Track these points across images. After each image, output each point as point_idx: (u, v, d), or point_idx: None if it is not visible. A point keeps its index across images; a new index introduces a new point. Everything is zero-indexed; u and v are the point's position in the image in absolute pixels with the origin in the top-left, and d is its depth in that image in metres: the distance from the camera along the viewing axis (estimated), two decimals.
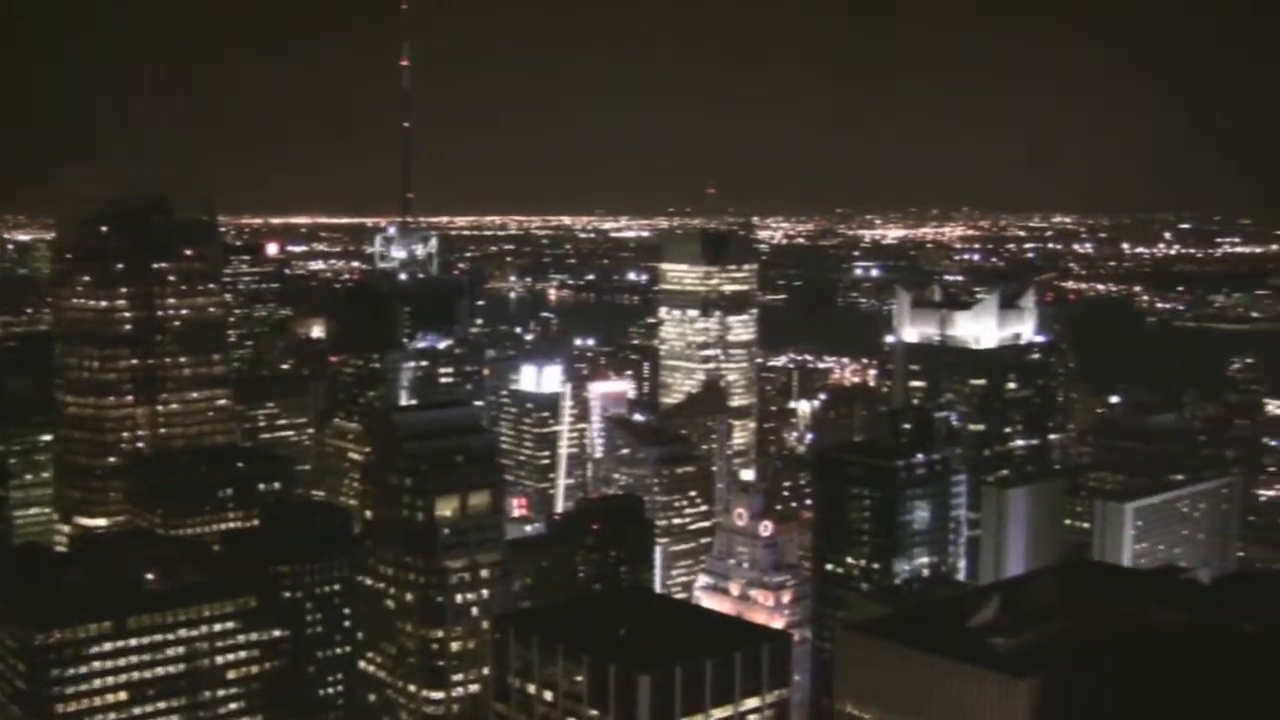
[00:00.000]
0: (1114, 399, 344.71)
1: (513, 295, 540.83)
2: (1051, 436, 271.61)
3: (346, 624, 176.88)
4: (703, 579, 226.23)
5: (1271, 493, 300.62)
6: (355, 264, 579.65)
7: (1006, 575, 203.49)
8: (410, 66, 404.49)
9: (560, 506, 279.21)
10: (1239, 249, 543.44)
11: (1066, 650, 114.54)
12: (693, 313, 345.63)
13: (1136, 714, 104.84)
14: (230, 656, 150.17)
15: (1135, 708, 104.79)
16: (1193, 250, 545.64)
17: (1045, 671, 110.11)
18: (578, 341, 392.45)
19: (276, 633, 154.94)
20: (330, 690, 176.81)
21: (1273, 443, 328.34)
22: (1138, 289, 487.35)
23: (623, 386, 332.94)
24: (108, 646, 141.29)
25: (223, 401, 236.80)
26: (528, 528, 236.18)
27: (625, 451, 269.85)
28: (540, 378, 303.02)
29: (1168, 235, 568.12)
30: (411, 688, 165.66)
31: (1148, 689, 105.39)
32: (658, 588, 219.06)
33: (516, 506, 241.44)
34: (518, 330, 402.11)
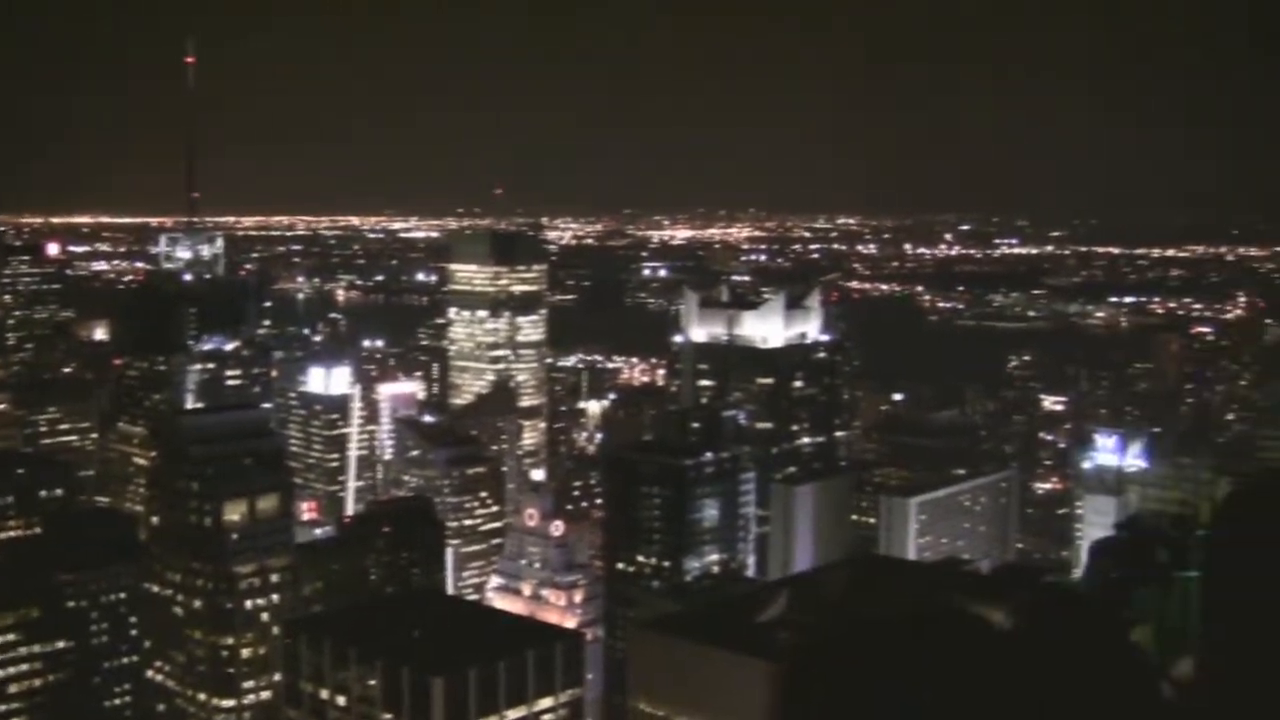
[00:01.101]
0: (897, 396, 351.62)
1: (300, 296, 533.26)
2: (837, 434, 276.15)
3: (133, 633, 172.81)
4: (495, 580, 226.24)
5: (1048, 486, 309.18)
6: (140, 265, 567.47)
7: (795, 570, 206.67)
8: (195, 64, 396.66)
9: (350, 509, 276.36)
10: (1016, 250, 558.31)
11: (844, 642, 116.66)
12: (482, 313, 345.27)
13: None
14: (12, 669, 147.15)
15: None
16: (972, 251, 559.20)
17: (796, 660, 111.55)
18: (366, 342, 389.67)
19: (60, 644, 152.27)
20: (117, 701, 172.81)
21: (1048, 437, 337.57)
22: (920, 289, 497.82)
23: (412, 388, 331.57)
24: None
25: (1, 406, 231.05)
26: (318, 531, 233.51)
27: (415, 453, 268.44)
28: (329, 379, 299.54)
29: (948, 236, 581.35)
30: (201, 696, 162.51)
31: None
32: (450, 589, 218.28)
33: (306, 510, 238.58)
34: (306, 332, 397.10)
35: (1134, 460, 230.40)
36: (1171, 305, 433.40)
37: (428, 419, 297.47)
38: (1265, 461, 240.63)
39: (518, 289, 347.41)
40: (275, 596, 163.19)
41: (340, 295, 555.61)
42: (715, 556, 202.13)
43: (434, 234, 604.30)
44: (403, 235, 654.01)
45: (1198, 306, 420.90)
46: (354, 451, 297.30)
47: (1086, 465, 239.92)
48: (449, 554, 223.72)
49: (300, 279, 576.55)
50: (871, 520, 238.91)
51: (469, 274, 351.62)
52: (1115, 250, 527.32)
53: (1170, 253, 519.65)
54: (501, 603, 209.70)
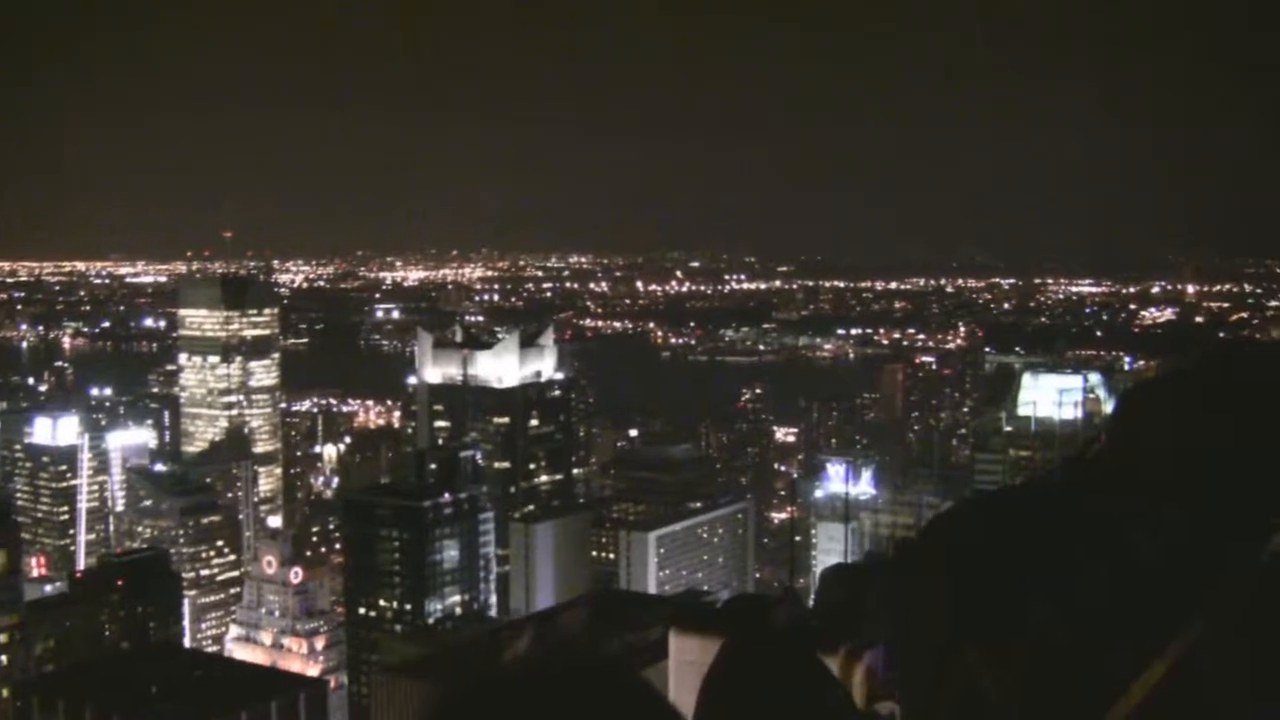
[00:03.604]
0: (633, 432, 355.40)
1: (24, 345, 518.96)
2: (575, 471, 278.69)
3: None
4: (234, 630, 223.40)
5: (782, 515, 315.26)
6: None
7: (538, 608, 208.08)
8: None
9: (82, 563, 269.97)
10: (745, 285, 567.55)
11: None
12: (213, 359, 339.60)
13: None
14: None
15: None
16: (703, 287, 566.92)
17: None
18: (94, 391, 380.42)
19: None
20: None
21: (782, 468, 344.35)
22: (652, 325, 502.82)
23: (143, 436, 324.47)
24: None
25: None
26: (48, 587, 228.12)
27: (148, 503, 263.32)
28: (55, 430, 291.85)
29: (679, 274, 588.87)
30: None
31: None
32: (188, 642, 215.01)
33: (35, 565, 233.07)
34: (30, 381, 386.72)
35: (864, 488, 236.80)
36: (896, 336, 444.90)
37: (160, 468, 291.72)
38: (982, 485, 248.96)
39: (249, 333, 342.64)
40: (4, 657, 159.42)
41: (66, 343, 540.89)
42: (457, 597, 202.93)
43: (162, 278, 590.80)
44: (130, 280, 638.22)
45: (921, 337, 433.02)
46: (83, 503, 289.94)
47: (818, 494, 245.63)
48: (186, 605, 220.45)
49: (23, 327, 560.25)
50: (611, 555, 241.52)
51: (199, 319, 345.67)
52: (841, 284, 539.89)
53: (894, 285, 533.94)
54: (242, 653, 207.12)
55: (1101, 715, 6.51)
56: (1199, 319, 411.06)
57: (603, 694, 4.49)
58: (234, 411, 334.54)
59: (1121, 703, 6.65)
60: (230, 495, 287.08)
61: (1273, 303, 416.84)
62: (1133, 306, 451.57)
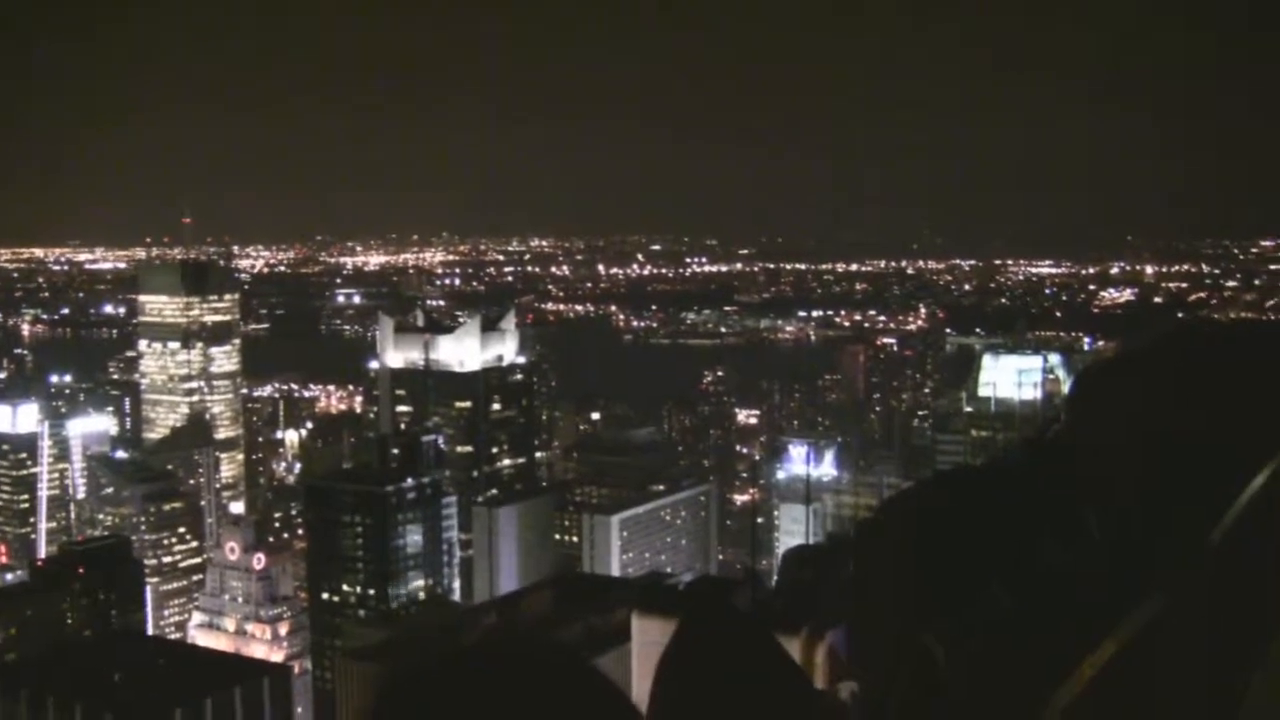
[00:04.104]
0: (595, 415, 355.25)
1: None
2: (538, 455, 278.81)
3: None
4: (197, 617, 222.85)
5: (744, 497, 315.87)
6: None
7: (501, 593, 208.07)
8: None
9: (43, 551, 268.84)
10: (707, 268, 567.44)
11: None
12: (174, 345, 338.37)
13: None
14: None
15: None
16: (664, 270, 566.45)
17: None
18: (54, 378, 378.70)
19: None
20: None
21: (744, 450, 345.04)
22: (614, 308, 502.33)
23: (104, 423, 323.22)
24: None
25: None
26: (9, 576, 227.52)
27: (109, 490, 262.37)
28: (15, 418, 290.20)
29: (640, 256, 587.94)
30: None
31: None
32: (150, 629, 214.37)
33: None
34: None
35: (826, 469, 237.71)
36: (857, 318, 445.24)
37: (121, 455, 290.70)
38: (943, 465, 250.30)
39: (210, 319, 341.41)
40: None
41: (25, 330, 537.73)
42: (420, 582, 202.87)
43: (122, 265, 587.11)
44: (89, 267, 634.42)
45: (882, 319, 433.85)
46: (44, 491, 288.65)
47: (780, 476, 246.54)
48: (148, 593, 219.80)
49: None
50: (575, 539, 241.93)
51: (159, 305, 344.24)
52: (802, 266, 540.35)
53: (854, 267, 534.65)
54: (205, 640, 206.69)
55: (1053, 693, 6.65)
56: (1158, 299, 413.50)
57: (548, 677, 4.50)
58: (195, 398, 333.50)
59: (1072, 680, 6.78)
60: (192, 482, 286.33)
61: (1230, 283, 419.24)
62: (1092, 287, 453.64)
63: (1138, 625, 7.89)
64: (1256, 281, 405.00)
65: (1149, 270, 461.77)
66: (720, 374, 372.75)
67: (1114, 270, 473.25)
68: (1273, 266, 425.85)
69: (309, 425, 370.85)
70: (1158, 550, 8.48)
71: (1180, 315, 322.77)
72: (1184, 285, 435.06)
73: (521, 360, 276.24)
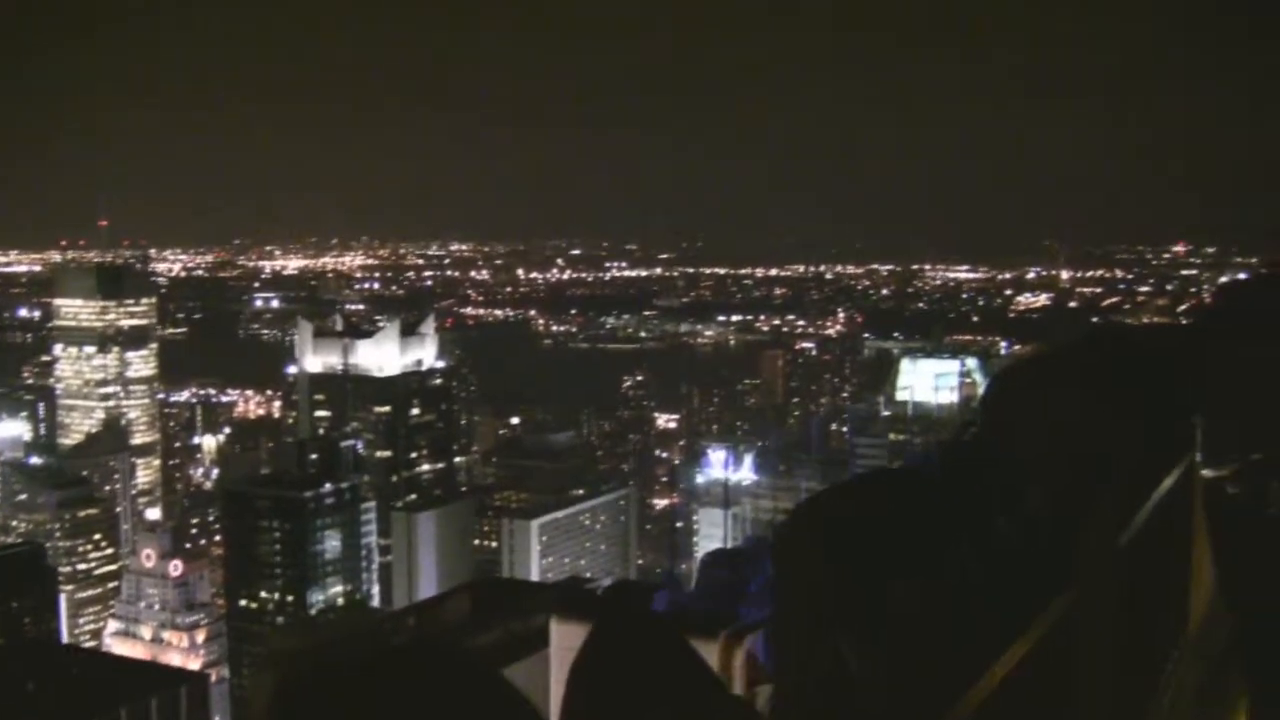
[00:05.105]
0: (515, 420, 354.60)
1: None
2: (457, 460, 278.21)
3: None
4: (113, 625, 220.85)
5: (664, 502, 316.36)
6: None
7: (420, 598, 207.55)
8: None
9: None
10: (626, 273, 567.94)
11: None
12: (90, 349, 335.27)
13: None
14: None
15: None
16: (584, 275, 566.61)
17: None
18: None
19: None
20: None
21: (663, 454, 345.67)
22: (534, 313, 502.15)
23: (18, 429, 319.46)
24: None
25: None
26: None
27: (23, 497, 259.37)
28: None
29: (560, 261, 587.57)
30: None
31: None
32: (65, 637, 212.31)
33: None
34: None
35: (745, 473, 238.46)
36: (776, 323, 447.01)
37: (35, 460, 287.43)
38: (862, 468, 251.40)
39: (126, 323, 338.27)
40: None
41: None
42: (339, 588, 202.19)
43: (36, 268, 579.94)
44: (2, 270, 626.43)
45: (801, 323, 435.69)
46: None
47: (699, 480, 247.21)
48: (63, 600, 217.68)
49: None
50: (494, 544, 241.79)
51: (75, 309, 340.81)
52: (721, 271, 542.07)
53: (774, 272, 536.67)
54: (121, 648, 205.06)
55: (964, 693, 6.78)
56: (1073, 304, 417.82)
57: (444, 682, 4.48)
58: (111, 403, 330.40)
59: (984, 681, 6.92)
60: (108, 488, 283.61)
61: (1143, 288, 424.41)
62: (1009, 292, 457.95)
63: (1049, 625, 8.08)
64: (1169, 286, 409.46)
65: (1064, 275, 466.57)
66: (640, 378, 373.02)
67: (1030, 275, 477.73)
68: (1185, 272, 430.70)
69: (227, 430, 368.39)
70: (1069, 551, 8.67)
71: (1094, 320, 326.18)
72: (1098, 290, 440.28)
73: (441, 365, 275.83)
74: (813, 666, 7.03)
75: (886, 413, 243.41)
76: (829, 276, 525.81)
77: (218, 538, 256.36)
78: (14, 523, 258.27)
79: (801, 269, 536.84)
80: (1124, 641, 9.91)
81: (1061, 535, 8.81)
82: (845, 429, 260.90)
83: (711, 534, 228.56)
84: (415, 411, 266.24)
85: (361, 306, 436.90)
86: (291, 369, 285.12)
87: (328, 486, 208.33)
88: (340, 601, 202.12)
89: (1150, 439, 11.63)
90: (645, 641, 6.44)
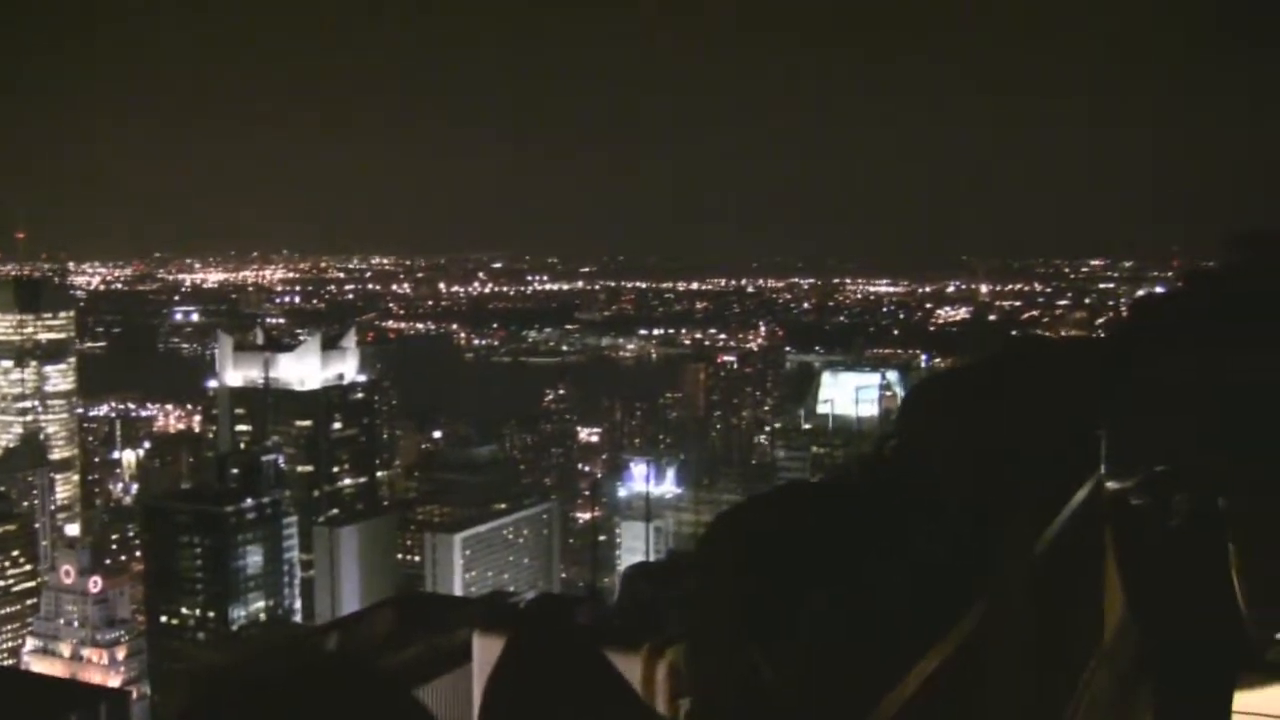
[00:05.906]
0: (437, 434, 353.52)
1: None
2: (379, 474, 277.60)
3: None
4: (31, 642, 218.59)
5: (586, 515, 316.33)
6: None
7: (343, 613, 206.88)
8: None
9: None
10: (548, 286, 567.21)
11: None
12: (6, 363, 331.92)
13: None
14: None
15: None
16: (505, 288, 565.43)
17: None
18: None
19: None
20: None
21: (586, 468, 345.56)
22: (455, 326, 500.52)
23: None
24: None
25: None
26: None
27: None
28: None
29: (481, 275, 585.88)
30: None
31: None
32: None
33: None
34: None
35: (668, 487, 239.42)
36: (698, 336, 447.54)
37: None
38: (783, 482, 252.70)
39: (44, 337, 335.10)
40: None
41: None
42: (261, 603, 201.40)
43: None
44: None
45: (722, 337, 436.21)
46: None
47: (622, 493, 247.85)
48: None
49: None
50: (417, 558, 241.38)
51: None
52: (643, 284, 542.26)
53: (695, 286, 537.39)
54: (39, 666, 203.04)
55: (877, 706, 7.20)
56: (992, 317, 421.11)
57: (344, 695, 4.46)
58: (29, 417, 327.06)
59: (897, 692, 7.36)
60: (26, 503, 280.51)
61: (1062, 302, 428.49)
62: (929, 305, 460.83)
63: (964, 633, 8.53)
64: (1087, 300, 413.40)
65: (984, 289, 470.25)
66: (562, 392, 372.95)
67: (950, 289, 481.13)
68: (1103, 285, 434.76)
69: (146, 445, 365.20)
70: (984, 561, 9.11)
71: (1013, 333, 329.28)
72: (1017, 303, 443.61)
73: (362, 379, 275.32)
74: (730, 678, 7.42)
75: (808, 426, 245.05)
76: (750, 290, 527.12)
77: (138, 553, 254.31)
78: None
79: (723, 283, 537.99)
80: (1037, 651, 10.40)
81: (980, 544, 9.26)
82: (767, 442, 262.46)
83: (634, 547, 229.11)
84: (337, 426, 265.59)
85: (282, 320, 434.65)
86: (212, 383, 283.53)
87: (249, 501, 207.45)
88: (262, 617, 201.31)
89: (1063, 451, 12.16)
90: (563, 653, 6.65)
